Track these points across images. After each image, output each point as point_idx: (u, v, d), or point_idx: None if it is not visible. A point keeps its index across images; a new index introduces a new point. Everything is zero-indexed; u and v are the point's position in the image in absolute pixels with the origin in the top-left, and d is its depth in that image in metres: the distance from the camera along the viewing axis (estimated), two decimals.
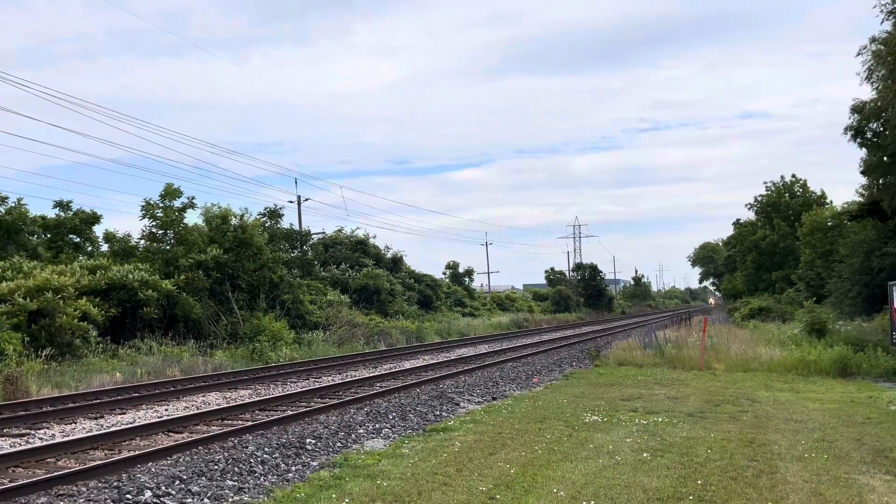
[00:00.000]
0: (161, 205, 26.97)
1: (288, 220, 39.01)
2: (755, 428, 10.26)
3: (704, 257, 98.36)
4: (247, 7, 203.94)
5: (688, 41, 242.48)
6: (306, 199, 42.37)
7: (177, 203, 27.27)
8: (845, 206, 37.07)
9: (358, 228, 48.05)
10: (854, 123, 25.88)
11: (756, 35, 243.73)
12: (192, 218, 28.15)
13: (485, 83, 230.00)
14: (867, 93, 26.29)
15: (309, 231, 40.67)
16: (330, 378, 18.32)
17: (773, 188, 53.31)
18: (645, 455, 8.50)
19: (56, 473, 7.64)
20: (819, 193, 50.58)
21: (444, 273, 60.81)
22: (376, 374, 18.57)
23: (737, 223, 59.90)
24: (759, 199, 54.11)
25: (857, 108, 25.69)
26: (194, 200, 27.80)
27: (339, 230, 46.88)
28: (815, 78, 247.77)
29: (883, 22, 22.55)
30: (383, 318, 37.16)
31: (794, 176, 53.23)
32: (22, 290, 19.10)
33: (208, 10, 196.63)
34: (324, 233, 45.68)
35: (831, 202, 46.96)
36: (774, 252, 49.96)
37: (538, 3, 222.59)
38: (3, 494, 6.98)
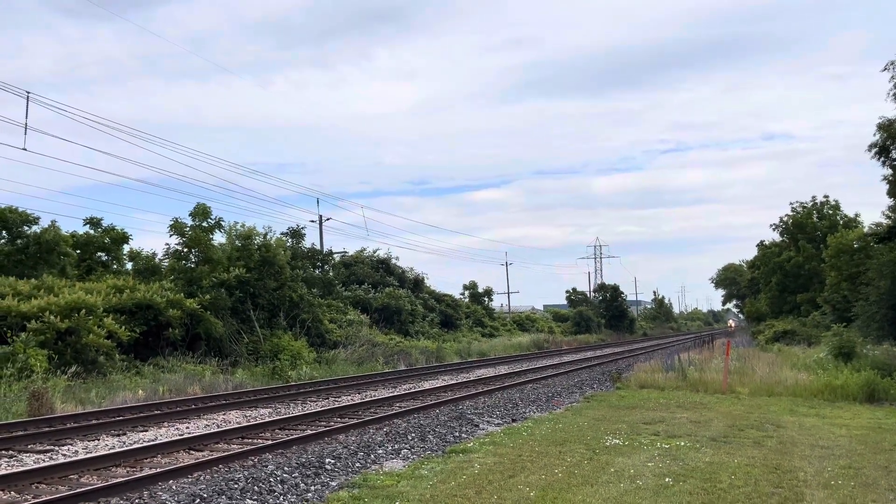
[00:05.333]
0: (191, 224, 27.27)
1: (310, 240, 39.41)
2: (780, 454, 10.09)
3: (727, 279, 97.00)
4: (270, 33, 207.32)
5: (708, 63, 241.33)
6: (328, 219, 42.82)
7: (205, 223, 27.56)
8: (871, 227, 36.51)
9: (378, 250, 48.27)
10: (880, 141, 25.54)
11: (777, 57, 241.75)
12: (217, 237, 28.30)
13: (504, 106, 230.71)
14: (893, 110, 25.94)
15: (331, 251, 41.03)
16: (349, 397, 18.33)
17: (800, 209, 52.42)
18: (667, 480, 8.39)
19: (79, 490, 7.71)
20: (852, 216, 49.48)
21: (464, 293, 60.78)
22: (396, 394, 18.54)
23: (761, 244, 58.94)
24: (785, 219, 53.31)
25: (884, 126, 25.38)
26: (222, 221, 28.05)
27: (361, 250, 47.31)
28: (837, 100, 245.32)
29: None
30: (403, 338, 37.18)
31: (825, 196, 52.29)
32: (53, 307, 19.35)
33: (232, 35, 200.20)
34: (345, 252, 46.06)
35: (862, 224, 46.05)
36: (799, 274, 49.12)
37: (556, 28, 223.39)
38: None
